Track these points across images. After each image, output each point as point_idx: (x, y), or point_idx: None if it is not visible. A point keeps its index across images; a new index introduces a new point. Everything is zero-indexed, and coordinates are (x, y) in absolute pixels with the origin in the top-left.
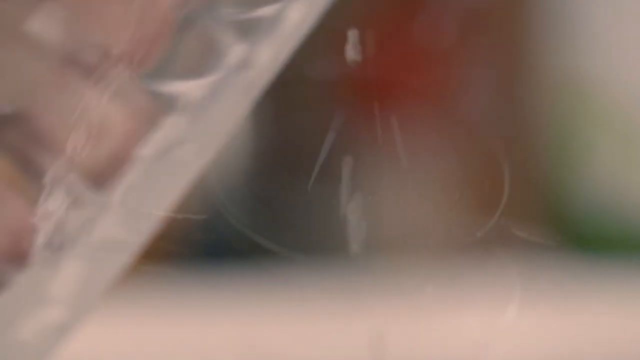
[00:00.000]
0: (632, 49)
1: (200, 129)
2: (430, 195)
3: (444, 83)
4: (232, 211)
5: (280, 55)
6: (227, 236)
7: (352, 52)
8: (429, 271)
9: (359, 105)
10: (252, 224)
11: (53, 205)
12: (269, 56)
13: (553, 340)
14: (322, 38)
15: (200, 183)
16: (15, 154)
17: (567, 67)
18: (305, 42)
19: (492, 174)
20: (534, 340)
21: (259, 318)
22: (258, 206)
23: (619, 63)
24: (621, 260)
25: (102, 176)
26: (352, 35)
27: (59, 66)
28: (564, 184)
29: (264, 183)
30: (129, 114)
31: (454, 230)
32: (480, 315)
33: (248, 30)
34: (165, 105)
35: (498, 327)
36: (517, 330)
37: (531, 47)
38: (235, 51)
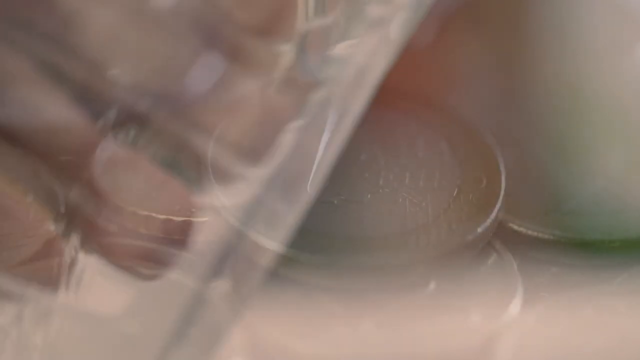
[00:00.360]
0: (632, 50)
1: (346, 93)
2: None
3: (443, 82)
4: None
5: (420, 9)
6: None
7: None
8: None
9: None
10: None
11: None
12: (404, 11)
13: (553, 339)
14: None
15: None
16: (165, 136)
17: (567, 67)
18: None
19: (492, 173)
20: (534, 338)
21: (261, 318)
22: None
23: (619, 63)
24: (621, 260)
25: (253, 151)
26: None
27: (197, 44)
28: (564, 184)
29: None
30: (275, 86)
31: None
32: (480, 313)
33: None
34: (312, 73)
35: (499, 326)
36: (517, 328)
37: (532, 46)
38: (374, 10)
